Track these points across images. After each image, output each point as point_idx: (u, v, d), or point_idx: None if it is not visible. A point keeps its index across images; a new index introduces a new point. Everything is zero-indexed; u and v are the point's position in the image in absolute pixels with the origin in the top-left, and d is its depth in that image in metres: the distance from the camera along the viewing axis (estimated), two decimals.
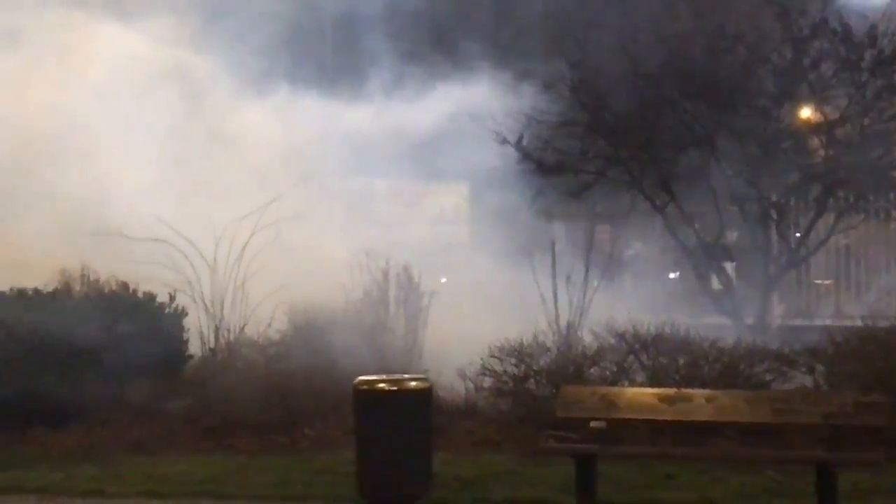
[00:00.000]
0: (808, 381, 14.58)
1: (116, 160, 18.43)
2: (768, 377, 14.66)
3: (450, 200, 24.40)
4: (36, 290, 16.76)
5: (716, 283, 21.01)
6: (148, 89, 19.11)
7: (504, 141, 20.57)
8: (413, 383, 12.09)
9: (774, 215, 20.75)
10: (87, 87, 18.86)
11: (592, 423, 11.68)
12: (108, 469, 13.85)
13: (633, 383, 14.66)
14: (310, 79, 20.53)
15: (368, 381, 11.94)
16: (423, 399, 12.01)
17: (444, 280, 18.13)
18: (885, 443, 11.72)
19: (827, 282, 24.58)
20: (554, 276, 16.90)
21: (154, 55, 19.29)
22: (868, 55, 20.17)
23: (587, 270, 17.29)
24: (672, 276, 23.50)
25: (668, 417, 11.86)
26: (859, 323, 16.38)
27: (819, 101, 20.98)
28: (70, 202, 17.96)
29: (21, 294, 16.68)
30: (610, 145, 20.60)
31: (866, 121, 20.55)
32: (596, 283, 17.39)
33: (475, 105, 19.93)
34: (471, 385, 15.57)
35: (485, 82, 20.25)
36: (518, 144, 20.84)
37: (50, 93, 18.89)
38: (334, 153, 19.64)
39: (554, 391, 14.17)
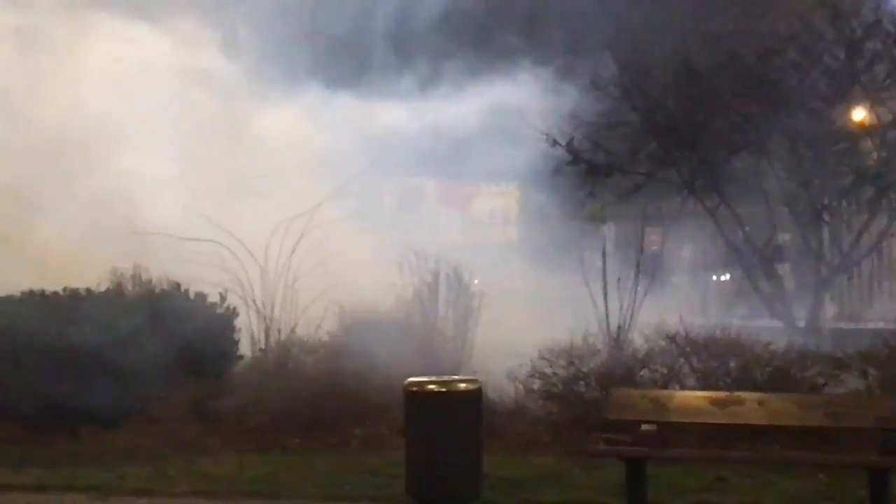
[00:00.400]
0: (860, 385, 14.43)
1: (160, 162, 18.57)
2: (821, 381, 14.53)
3: (499, 202, 24.41)
4: (88, 290, 16.87)
5: (767, 286, 20.87)
6: (183, 91, 19.21)
7: (554, 143, 20.56)
8: (463, 385, 12.07)
9: (826, 217, 20.61)
10: (123, 89, 19.00)
11: (643, 426, 11.63)
12: (157, 468, 13.92)
13: (683, 386, 14.57)
14: (348, 78, 20.54)
15: (418, 382, 11.94)
16: (473, 400, 11.97)
17: (492, 281, 18.08)
18: None
19: (879, 284, 24.39)
20: (604, 278, 16.84)
21: (186, 57, 19.38)
22: None
23: (637, 272, 17.20)
24: (723, 278, 23.40)
25: (720, 421, 11.80)
26: None
27: (872, 103, 20.81)
28: (116, 203, 18.12)
29: (73, 294, 16.79)
30: (660, 146, 20.55)
31: None
32: (646, 285, 17.28)
33: (521, 105, 19.89)
34: (520, 387, 15.51)
35: (531, 83, 20.22)
36: (569, 146, 20.82)
37: (86, 94, 19.04)
38: (378, 153, 19.66)
39: (604, 394, 14.10)
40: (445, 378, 12.16)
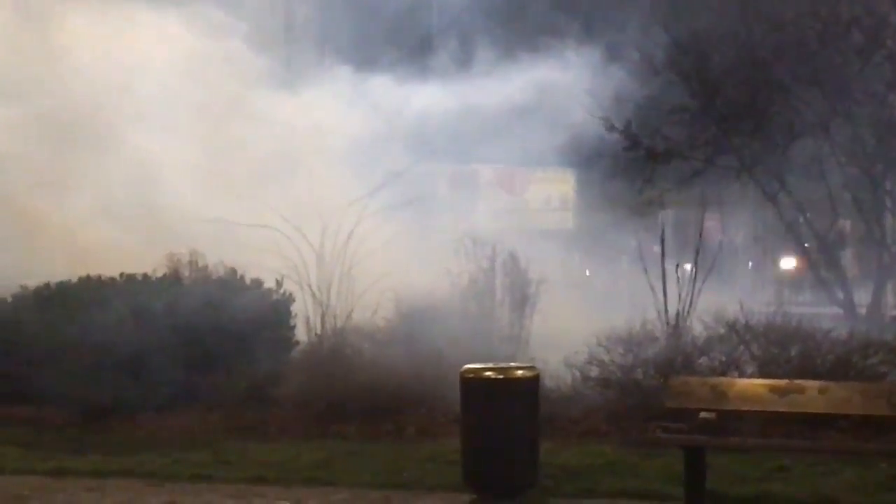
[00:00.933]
0: None
1: (199, 148, 18.65)
2: (883, 369, 14.38)
3: (555, 188, 24.32)
4: (145, 276, 17.00)
5: (828, 273, 20.70)
6: (213, 77, 19.24)
7: (612, 127, 20.46)
8: (520, 371, 12.05)
9: (888, 204, 20.41)
10: (171, 73, 19.08)
11: (702, 414, 11.56)
12: (215, 454, 14.00)
13: (742, 374, 14.46)
14: (388, 61, 20.42)
15: (475, 369, 11.93)
16: (530, 388, 11.96)
17: (549, 268, 18.01)
18: None
19: None
20: (662, 265, 16.72)
21: (213, 42, 19.38)
22: None
23: (696, 259, 17.07)
24: (783, 265, 23.23)
25: (780, 409, 11.70)
26: None
27: None
28: (172, 189, 18.23)
29: (130, 279, 16.92)
30: (720, 132, 20.41)
31: None
32: (705, 272, 17.16)
33: (571, 87, 19.65)
34: (577, 374, 15.45)
35: (589, 68, 20.03)
36: (626, 130, 20.73)
37: (133, 78, 19.14)
38: (421, 138, 19.52)
39: (662, 381, 14.02)
40: (502, 365, 12.14)
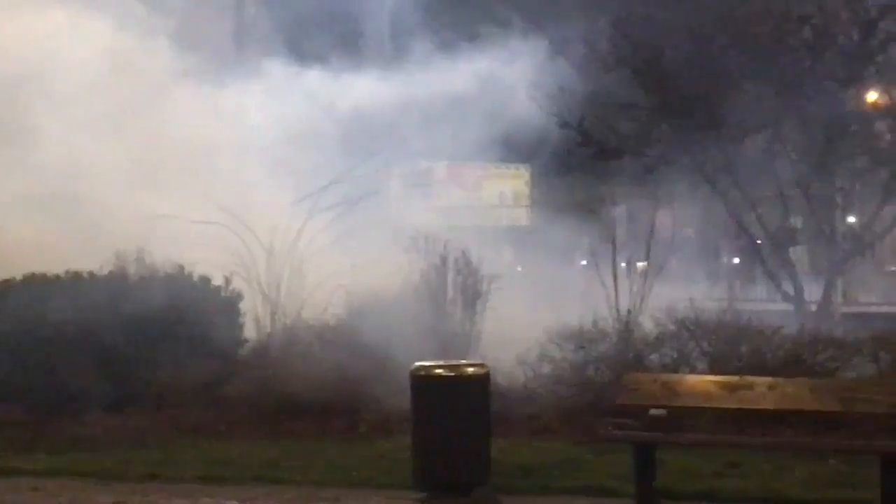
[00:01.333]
0: (873, 369, 14.43)
1: (160, 147, 18.51)
2: (833, 365, 14.52)
3: (509, 184, 24.33)
4: (91, 273, 16.90)
5: (779, 269, 20.87)
6: (145, 74, 19.03)
7: (565, 124, 20.52)
8: (471, 369, 12.07)
9: (839, 201, 20.60)
10: (92, 69, 18.86)
11: (652, 411, 11.64)
12: (164, 453, 13.96)
13: (694, 370, 14.56)
14: (334, 54, 20.17)
15: (425, 366, 11.94)
16: (481, 385, 11.97)
17: (502, 265, 18.07)
18: None
19: (893, 268, 24.38)
20: (614, 262, 16.82)
21: (135, 37, 19.16)
22: None
23: (648, 256, 17.18)
24: (735, 261, 23.40)
25: (731, 405, 11.79)
26: None
27: (887, 85, 20.78)
28: (121, 185, 18.09)
29: (76, 277, 16.82)
30: (673, 128, 20.52)
31: None
32: (657, 268, 17.27)
33: (527, 85, 19.54)
34: (530, 371, 15.51)
35: (540, 63, 19.92)
36: (579, 127, 20.81)
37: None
38: (374, 133, 19.37)
39: (614, 378, 14.10)
40: (453, 362, 12.18)
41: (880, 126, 21.87)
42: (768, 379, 12.10)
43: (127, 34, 18.99)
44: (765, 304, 19.90)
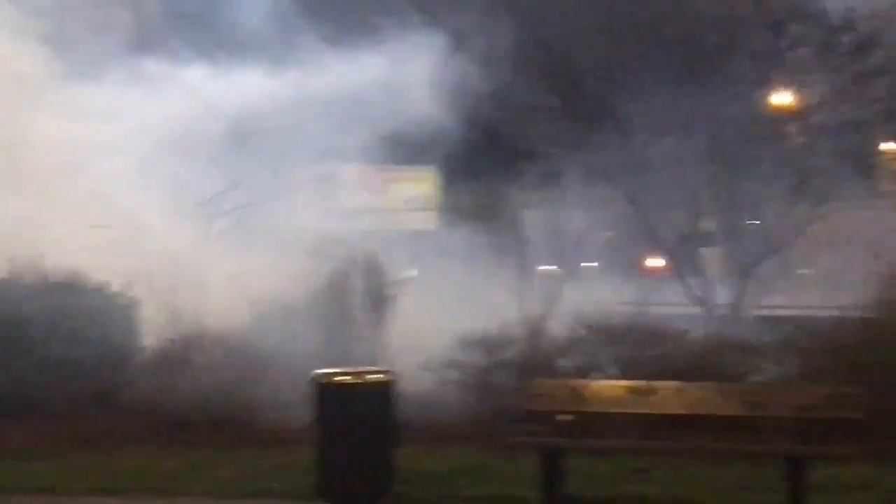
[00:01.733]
0: (781, 372, 14.63)
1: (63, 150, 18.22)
2: (740, 369, 14.69)
3: (418, 187, 24.27)
4: None
5: (689, 273, 21.08)
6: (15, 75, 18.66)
7: (472, 125, 20.47)
8: (374, 376, 12.07)
9: (749, 203, 20.84)
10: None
11: (559, 417, 11.72)
12: (59, 465, 13.77)
13: (603, 375, 14.65)
14: (231, 53, 19.83)
15: (327, 374, 11.89)
16: (385, 392, 11.97)
17: (409, 269, 18.06)
18: (858, 436, 11.77)
19: (802, 271, 24.70)
20: (523, 266, 16.91)
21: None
22: (846, 39, 20.29)
23: (558, 260, 17.29)
24: (645, 265, 23.58)
25: (637, 410, 11.94)
26: (835, 313, 16.43)
27: (796, 87, 21.08)
28: (24, 189, 17.81)
29: None
30: (582, 130, 20.58)
31: (844, 107, 20.64)
32: (566, 272, 17.39)
33: (433, 84, 19.35)
34: (437, 378, 15.51)
35: (446, 62, 19.76)
36: (486, 129, 20.78)
37: None
38: (284, 135, 19.12)
39: (522, 384, 14.13)
40: (356, 369, 12.14)
41: (790, 128, 22.17)
42: (676, 383, 12.25)
43: None
44: (676, 307, 20.02)
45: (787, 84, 21.51)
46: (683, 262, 21.33)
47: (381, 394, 11.94)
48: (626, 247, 23.25)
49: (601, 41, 20.04)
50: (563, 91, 20.48)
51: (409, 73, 18.72)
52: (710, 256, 22.14)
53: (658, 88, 19.92)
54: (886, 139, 22.40)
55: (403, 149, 19.56)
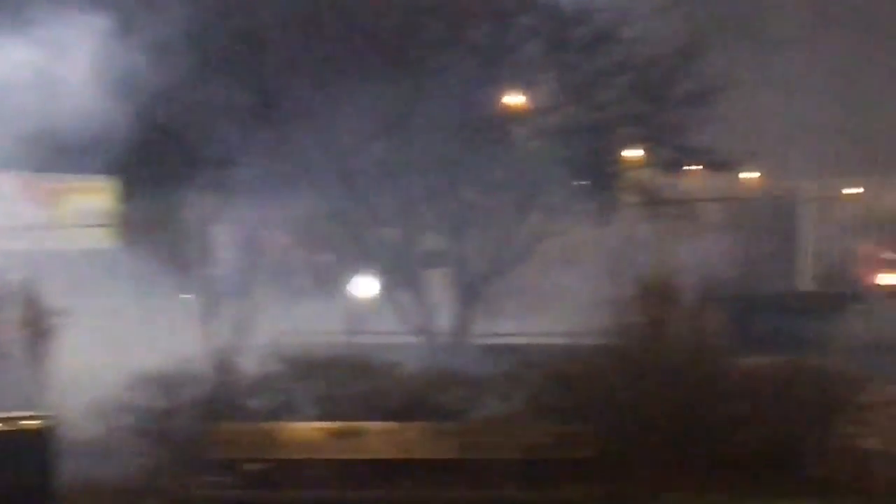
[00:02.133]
0: (506, 408, 14.79)
1: None
2: (461, 406, 14.80)
3: (92, 199, 23.68)
4: None
5: (407, 297, 21.11)
6: None
7: (153, 128, 20.06)
8: (29, 422, 11.78)
9: (473, 217, 21.01)
10: None
11: (246, 466, 11.63)
12: None
13: (302, 416, 14.56)
14: None
15: None
16: (43, 440, 11.73)
17: (77, 296, 17.59)
18: (591, 477, 12.02)
19: (536, 293, 25.06)
20: (211, 291, 16.71)
21: None
22: (580, 33, 20.76)
23: (251, 283, 17.14)
24: (356, 289, 23.45)
25: (341, 456, 11.96)
26: (567, 340, 16.73)
27: (526, 86, 21.38)
28: None
29: None
30: (278, 134, 20.36)
31: (579, 108, 21.10)
32: (264, 298, 17.26)
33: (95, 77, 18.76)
34: (107, 423, 15.19)
35: (117, 55, 19.27)
36: (174, 133, 20.38)
37: None
38: None
39: (208, 428, 13.97)
40: (4, 415, 11.81)
41: (520, 131, 22.42)
42: (384, 424, 12.31)
43: None
44: (391, 336, 20.11)
45: (515, 83, 21.78)
46: (400, 284, 21.34)
47: (38, 442, 11.68)
48: (333, 267, 23.12)
49: (303, 30, 19.92)
50: (257, 87, 20.26)
51: (65, 61, 18.21)
52: (433, 278, 22.24)
53: (368, 86, 19.87)
54: (628, 145, 22.75)
55: (67, 154, 18.99)
